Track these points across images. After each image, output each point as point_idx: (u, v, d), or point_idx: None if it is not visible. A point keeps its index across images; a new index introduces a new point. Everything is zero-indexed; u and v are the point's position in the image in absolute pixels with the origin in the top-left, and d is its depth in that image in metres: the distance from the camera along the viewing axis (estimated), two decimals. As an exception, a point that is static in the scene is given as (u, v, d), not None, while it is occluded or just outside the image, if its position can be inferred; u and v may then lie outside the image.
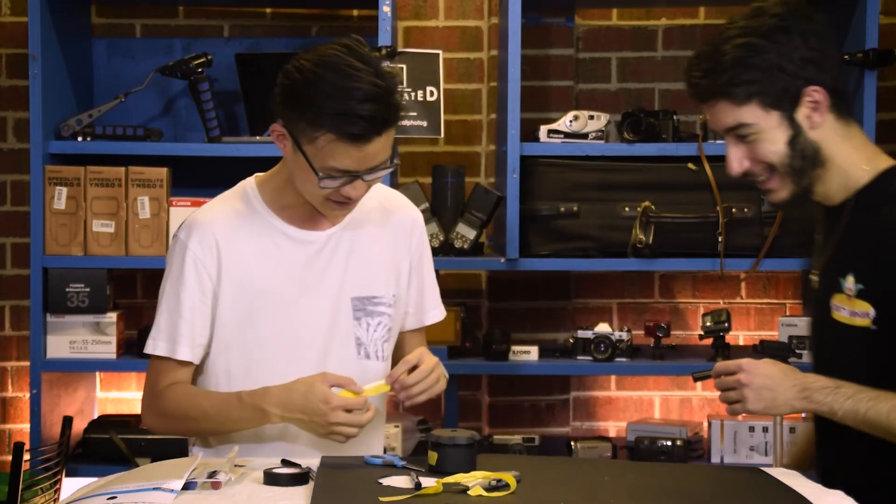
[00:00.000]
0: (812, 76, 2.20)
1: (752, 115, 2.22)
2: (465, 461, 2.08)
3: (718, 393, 2.37)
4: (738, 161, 2.27)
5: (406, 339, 2.52)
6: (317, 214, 2.37)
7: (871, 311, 2.20)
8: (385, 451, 2.81)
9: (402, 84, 2.24)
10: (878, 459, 2.24)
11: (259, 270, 2.35)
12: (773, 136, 2.23)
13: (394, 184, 3.54)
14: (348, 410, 2.22)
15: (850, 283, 2.22)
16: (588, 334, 3.57)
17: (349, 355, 2.38)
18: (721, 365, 2.25)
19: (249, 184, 2.42)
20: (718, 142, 3.43)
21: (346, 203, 2.29)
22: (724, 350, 3.58)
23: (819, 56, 2.21)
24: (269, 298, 2.35)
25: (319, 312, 2.37)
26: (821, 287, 2.32)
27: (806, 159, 2.24)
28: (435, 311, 2.55)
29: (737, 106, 2.21)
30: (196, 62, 3.58)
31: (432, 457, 2.10)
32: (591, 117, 3.50)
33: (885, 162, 2.28)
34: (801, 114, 2.22)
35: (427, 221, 3.08)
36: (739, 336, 4.01)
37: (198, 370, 2.40)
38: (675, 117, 3.56)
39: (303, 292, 2.36)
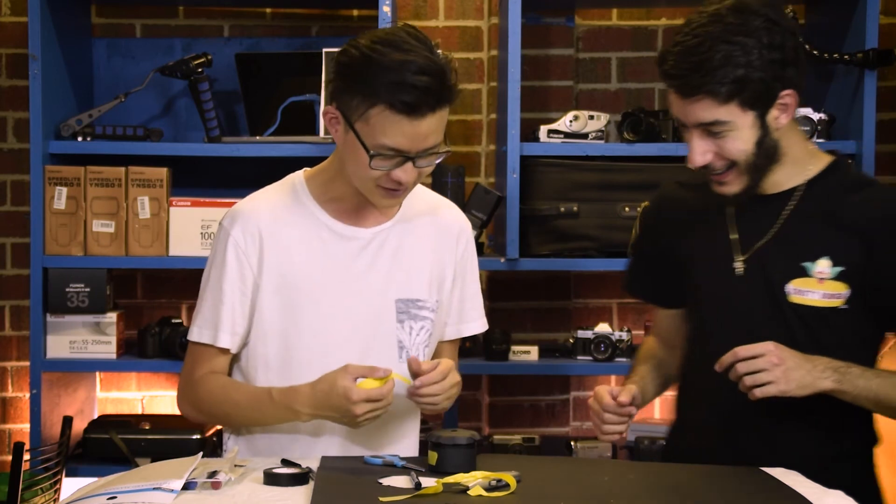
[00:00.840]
0: (789, 78, 2.24)
1: (730, 113, 2.23)
2: (465, 461, 2.08)
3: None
4: (701, 154, 2.28)
5: (441, 349, 2.49)
6: (364, 210, 2.35)
7: (846, 292, 2.26)
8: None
9: (455, 71, 2.22)
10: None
11: (301, 263, 2.33)
12: (744, 135, 2.25)
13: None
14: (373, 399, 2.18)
15: (822, 266, 2.26)
16: (588, 334, 3.57)
17: (390, 357, 2.35)
18: (743, 349, 2.20)
19: (298, 177, 2.40)
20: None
21: (397, 190, 2.26)
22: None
23: (795, 58, 2.24)
24: (309, 291, 2.33)
25: (362, 311, 2.35)
26: (754, 272, 2.33)
27: (768, 158, 2.28)
28: (476, 323, 2.51)
29: (718, 104, 2.22)
30: (196, 62, 3.57)
31: (432, 457, 2.10)
32: (591, 117, 3.50)
33: (825, 155, 2.36)
34: (772, 115, 2.25)
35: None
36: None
37: (236, 359, 2.39)
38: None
39: (344, 288, 2.34)
